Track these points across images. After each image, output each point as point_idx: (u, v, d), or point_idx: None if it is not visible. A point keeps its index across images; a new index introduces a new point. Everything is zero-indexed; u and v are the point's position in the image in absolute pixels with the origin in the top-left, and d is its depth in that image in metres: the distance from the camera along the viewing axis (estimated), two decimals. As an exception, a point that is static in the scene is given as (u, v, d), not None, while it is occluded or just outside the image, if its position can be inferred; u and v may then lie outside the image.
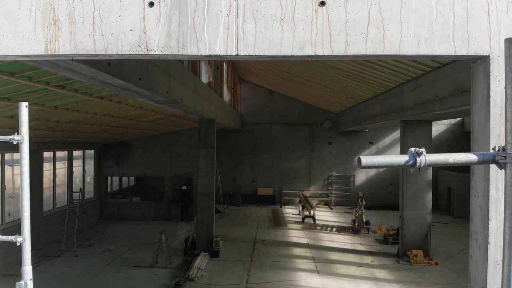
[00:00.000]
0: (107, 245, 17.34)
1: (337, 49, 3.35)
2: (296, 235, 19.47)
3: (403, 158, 1.91)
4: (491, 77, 3.40)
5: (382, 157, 1.91)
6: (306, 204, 22.72)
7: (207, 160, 16.40)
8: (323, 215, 24.12)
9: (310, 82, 20.52)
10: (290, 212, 25.23)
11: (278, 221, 22.62)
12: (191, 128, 22.94)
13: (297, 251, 16.76)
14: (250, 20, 3.40)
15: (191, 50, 3.40)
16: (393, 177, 27.19)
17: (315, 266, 14.70)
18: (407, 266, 14.66)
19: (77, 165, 20.77)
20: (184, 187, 22.14)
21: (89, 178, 22.40)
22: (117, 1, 3.47)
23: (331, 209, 26.61)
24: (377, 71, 13.76)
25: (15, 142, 2.99)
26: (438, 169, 25.75)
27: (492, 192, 3.36)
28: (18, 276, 2.92)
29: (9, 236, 3.10)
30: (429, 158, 1.91)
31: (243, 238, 18.68)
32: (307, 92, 24.19)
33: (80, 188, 18.44)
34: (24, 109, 3.04)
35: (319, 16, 3.40)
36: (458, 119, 27.32)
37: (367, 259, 15.53)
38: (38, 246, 16.18)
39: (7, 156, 15.51)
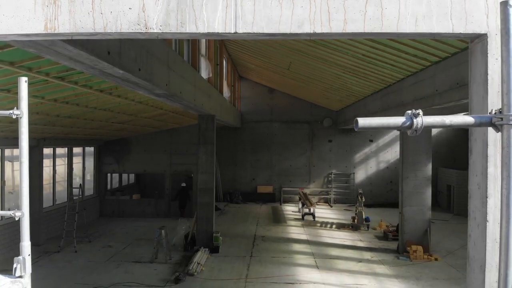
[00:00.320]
0: (107, 241, 17.34)
1: (336, 27, 3.36)
2: (296, 231, 19.48)
3: (400, 120, 1.92)
4: (488, 55, 3.41)
5: (379, 118, 1.92)
6: (306, 201, 22.73)
7: (207, 156, 16.41)
8: (322, 212, 24.13)
9: (309, 79, 20.54)
10: (290, 209, 25.25)
11: (278, 218, 22.63)
12: (191, 125, 22.96)
13: (297, 247, 16.77)
14: (249, -2, 3.41)
15: (190, 28, 3.42)
16: (393, 175, 27.20)
17: (315, 261, 14.70)
18: (407, 262, 14.66)
19: (77, 161, 20.78)
20: (184, 184, 22.15)
21: (89, 176, 22.41)
22: (116, -20, 3.48)
23: (331, 206, 26.62)
24: (377, 66, 13.78)
25: (14, 117, 3.00)
26: (438, 166, 25.76)
27: (491, 169, 3.37)
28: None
29: (8, 211, 3.12)
30: (426, 119, 1.92)
31: (243, 235, 18.69)
32: (307, 89, 24.20)
33: (80, 184, 18.44)
34: (23, 84, 3.05)
35: (317, -6, 3.41)
36: (458, 117, 27.32)
37: (367, 255, 15.54)
38: (38, 242, 16.19)
39: (7, 152, 15.52)
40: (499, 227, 3.32)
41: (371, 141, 27.79)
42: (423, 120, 1.94)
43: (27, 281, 3.13)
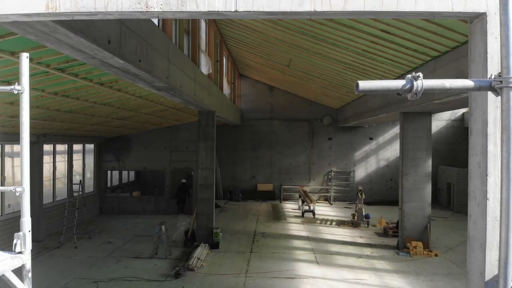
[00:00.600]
0: (106, 237, 17.35)
1: (336, 5, 3.37)
2: (296, 228, 19.49)
3: (400, 82, 1.93)
4: (488, 34, 3.41)
5: (380, 81, 1.93)
6: (306, 198, 22.74)
7: (207, 152, 16.42)
8: (322, 210, 24.14)
9: (309, 76, 20.55)
10: (290, 207, 25.25)
11: (278, 215, 22.63)
12: (191, 123, 22.99)
13: (297, 243, 16.77)
14: (250, -22, 3.42)
15: (190, 6, 3.43)
16: (392, 173, 27.21)
17: (315, 257, 14.70)
18: (407, 258, 14.67)
19: (77, 158, 20.79)
20: (184, 180, 22.18)
21: (89, 173, 22.41)
22: (117, -41, 3.49)
23: (331, 204, 26.63)
24: (377, 62, 13.78)
25: (15, 92, 3.01)
26: (438, 164, 25.77)
27: (491, 147, 3.38)
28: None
29: (9, 187, 3.13)
30: (426, 82, 1.92)
31: (243, 231, 18.69)
32: (307, 87, 24.22)
33: (80, 180, 18.45)
34: (24, 59, 3.06)
35: (318, -27, 3.42)
36: (458, 115, 27.35)
37: (367, 251, 15.54)
38: (38, 238, 16.20)
39: (7, 147, 15.53)
40: (499, 205, 3.33)
41: (371, 139, 27.80)
42: (423, 83, 1.94)
43: (27, 257, 3.13)
